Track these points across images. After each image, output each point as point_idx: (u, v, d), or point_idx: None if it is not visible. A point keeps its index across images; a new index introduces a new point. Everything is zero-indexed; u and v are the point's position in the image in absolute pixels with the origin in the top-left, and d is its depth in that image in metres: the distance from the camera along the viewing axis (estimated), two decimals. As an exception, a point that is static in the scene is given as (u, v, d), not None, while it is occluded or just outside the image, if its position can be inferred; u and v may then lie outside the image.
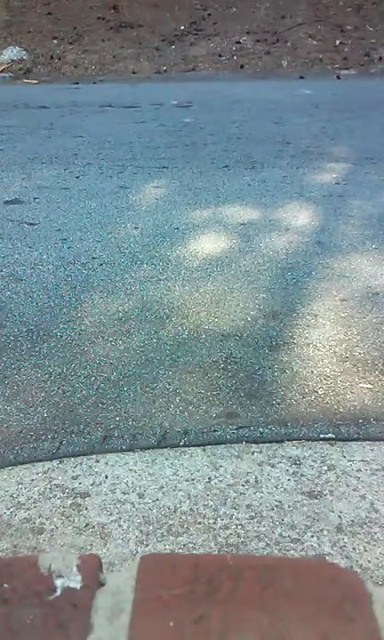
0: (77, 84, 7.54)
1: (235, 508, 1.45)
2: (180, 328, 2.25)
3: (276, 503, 1.47)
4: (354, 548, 1.35)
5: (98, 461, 1.62)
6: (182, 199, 3.53)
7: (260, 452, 1.65)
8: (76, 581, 0.41)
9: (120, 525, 1.42)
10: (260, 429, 1.75)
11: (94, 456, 1.65)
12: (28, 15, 9.28)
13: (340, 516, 1.43)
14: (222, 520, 1.42)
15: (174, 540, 1.38)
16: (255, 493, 1.50)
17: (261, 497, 1.49)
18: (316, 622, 0.37)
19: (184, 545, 1.36)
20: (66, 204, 3.49)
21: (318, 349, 2.11)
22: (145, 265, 2.74)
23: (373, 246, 2.91)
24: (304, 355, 2.09)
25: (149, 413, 1.82)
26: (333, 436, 1.71)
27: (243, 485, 1.52)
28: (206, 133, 4.94)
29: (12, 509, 1.47)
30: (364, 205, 3.41)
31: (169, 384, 1.95)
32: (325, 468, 1.58)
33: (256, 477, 1.55)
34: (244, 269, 2.69)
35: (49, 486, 1.54)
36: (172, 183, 3.80)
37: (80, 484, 1.54)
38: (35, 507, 1.47)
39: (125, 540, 1.38)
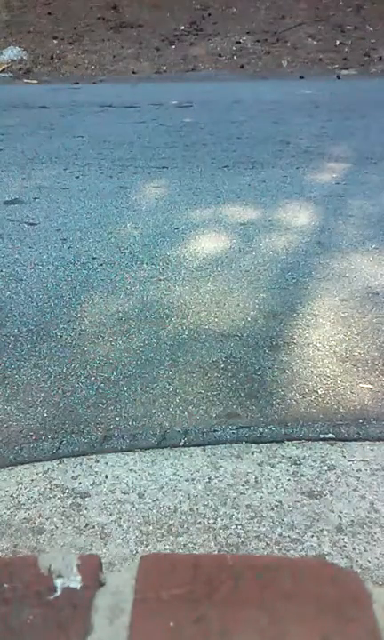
0: (77, 83, 7.54)
1: (235, 508, 1.45)
2: (179, 328, 2.25)
3: (276, 503, 1.47)
4: (354, 548, 1.35)
5: (98, 461, 1.62)
6: (182, 199, 3.53)
7: (260, 451, 1.65)
8: (76, 581, 0.41)
9: (120, 525, 1.42)
10: (260, 429, 1.75)
11: (94, 456, 1.65)
12: (28, 15, 9.28)
13: (339, 516, 1.43)
14: (222, 520, 1.42)
15: (174, 540, 1.38)
16: (255, 493, 1.50)
17: (261, 497, 1.49)
18: (315, 622, 0.37)
19: (184, 545, 1.36)
20: (66, 204, 3.49)
21: (318, 349, 2.11)
22: (145, 265, 2.74)
23: (373, 246, 2.91)
24: (304, 355, 2.09)
25: (149, 413, 1.82)
26: (333, 436, 1.71)
27: (243, 485, 1.52)
28: (206, 133, 4.94)
29: (11, 509, 1.47)
30: (363, 205, 3.41)
31: (169, 384, 1.95)
32: (325, 468, 1.58)
33: (256, 477, 1.55)
34: (244, 269, 2.69)
35: (49, 486, 1.54)
36: (172, 183, 3.80)
37: (80, 484, 1.54)
38: (35, 507, 1.47)
39: (125, 540, 1.38)
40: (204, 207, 3.41)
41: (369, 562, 1.32)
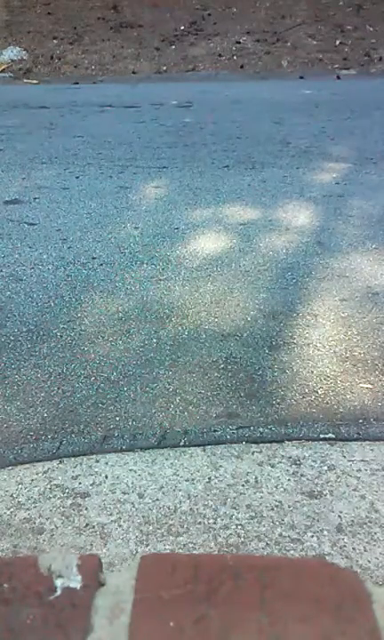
0: (77, 83, 7.54)
1: (235, 508, 1.45)
2: (180, 328, 2.25)
3: (276, 503, 1.47)
4: (354, 548, 1.35)
5: (98, 461, 1.62)
6: (182, 199, 3.53)
7: (260, 451, 1.65)
8: (76, 581, 0.41)
9: (120, 525, 1.42)
10: (260, 429, 1.75)
11: (94, 456, 1.65)
12: (27, 15, 9.28)
13: (339, 516, 1.43)
14: (222, 520, 1.42)
15: (174, 539, 1.38)
16: (255, 493, 1.50)
17: (261, 497, 1.49)
18: (315, 622, 0.37)
19: (184, 545, 1.36)
20: (66, 204, 3.49)
21: (318, 349, 2.11)
22: (145, 265, 2.74)
23: (373, 246, 2.91)
24: (304, 355, 2.09)
25: (149, 413, 1.82)
26: (333, 436, 1.71)
27: (243, 485, 1.52)
28: (206, 133, 4.94)
29: (12, 509, 1.47)
30: (364, 205, 3.41)
31: (169, 384, 1.95)
32: (325, 468, 1.58)
33: (256, 477, 1.55)
34: (244, 269, 2.69)
35: (49, 486, 1.54)
36: (171, 183, 3.80)
37: (80, 484, 1.54)
38: (35, 507, 1.47)
39: (125, 540, 1.38)
40: (204, 207, 3.41)
41: (369, 562, 1.32)
